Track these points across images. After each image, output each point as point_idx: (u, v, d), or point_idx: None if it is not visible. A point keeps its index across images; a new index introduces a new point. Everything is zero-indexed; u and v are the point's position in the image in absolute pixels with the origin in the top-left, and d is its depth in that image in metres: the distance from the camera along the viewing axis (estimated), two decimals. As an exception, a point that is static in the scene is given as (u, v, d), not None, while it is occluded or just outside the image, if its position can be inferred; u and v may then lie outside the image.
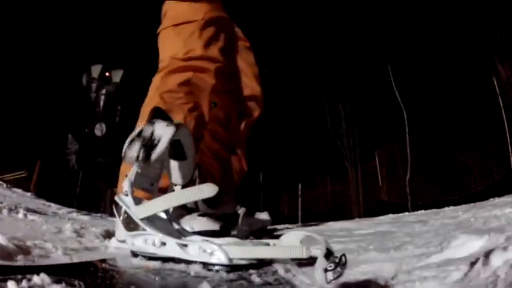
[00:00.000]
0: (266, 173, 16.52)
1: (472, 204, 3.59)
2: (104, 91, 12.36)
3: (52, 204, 4.13)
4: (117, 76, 12.70)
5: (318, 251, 1.02)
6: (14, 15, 10.24)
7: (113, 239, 1.61)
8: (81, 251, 1.33)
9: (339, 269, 0.95)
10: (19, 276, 0.77)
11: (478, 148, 8.01)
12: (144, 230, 1.22)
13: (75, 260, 1.15)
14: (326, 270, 0.96)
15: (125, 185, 1.32)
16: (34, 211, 2.52)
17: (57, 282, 0.78)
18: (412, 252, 1.31)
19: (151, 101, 1.91)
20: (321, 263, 0.96)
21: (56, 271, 0.87)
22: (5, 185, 4.77)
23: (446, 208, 4.01)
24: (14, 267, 0.97)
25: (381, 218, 4.21)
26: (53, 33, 10.99)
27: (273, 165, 17.55)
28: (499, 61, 8.74)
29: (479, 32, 9.66)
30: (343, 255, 0.97)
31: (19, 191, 4.84)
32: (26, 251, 1.13)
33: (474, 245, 1.13)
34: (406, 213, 5.12)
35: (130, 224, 1.26)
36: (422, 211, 4.54)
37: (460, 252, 1.11)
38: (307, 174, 16.04)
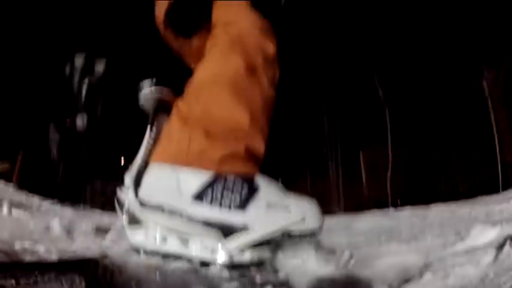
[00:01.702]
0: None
1: (462, 201, 3.64)
2: (86, 81, 12.17)
3: (35, 196, 4.07)
4: (100, 65, 12.51)
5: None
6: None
7: (107, 236, 1.59)
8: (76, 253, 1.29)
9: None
10: (19, 273, 0.76)
11: (463, 148, 8.15)
12: (145, 225, 1.20)
13: (54, 253, 1.11)
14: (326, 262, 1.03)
15: (126, 179, 1.30)
16: (18, 205, 2.45)
17: (57, 278, 0.77)
18: (433, 242, 1.29)
19: None
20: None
21: (56, 267, 0.85)
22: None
23: (434, 205, 4.04)
24: (14, 264, 0.96)
25: (369, 213, 4.24)
26: (35, 21, 10.73)
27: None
28: (486, 65, 8.82)
29: (467, 34, 9.73)
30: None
31: (1, 182, 4.75)
32: (14, 257, 1.07)
33: (491, 233, 1.13)
34: (392, 208, 5.16)
35: (131, 219, 1.24)
36: (409, 207, 4.58)
37: (481, 240, 1.11)
38: (288, 172, 16.03)
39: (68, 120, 12.23)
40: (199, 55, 1.62)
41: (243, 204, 1.15)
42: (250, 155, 1.26)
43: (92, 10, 10.70)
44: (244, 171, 1.21)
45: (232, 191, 1.17)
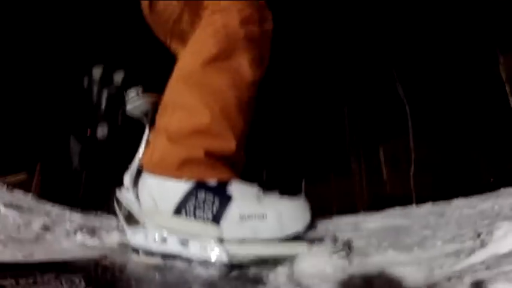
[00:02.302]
0: (269, 170, 16.47)
1: (485, 194, 3.45)
2: (105, 92, 12.41)
3: (49, 204, 4.07)
4: (118, 76, 12.71)
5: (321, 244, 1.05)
6: (14, 17, 10.24)
7: (78, 234, 1.61)
8: (25, 243, 1.26)
9: (345, 252, 0.98)
10: (19, 273, 0.76)
11: (483, 140, 7.96)
12: (145, 225, 1.20)
13: (10, 251, 1.09)
14: (333, 253, 1.00)
15: (126, 180, 1.32)
16: (17, 206, 2.41)
17: (56, 278, 0.77)
18: (443, 249, 1.05)
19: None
20: (327, 246, 1.00)
21: (55, 267, 0.87)
22: (5, 187, 4.70)
23: (456, 200, 3.88)
24: (14, 264, 0.97)
25: (389, 211, 4.10)
26: (53, 34, 11.00)
27: (276, 162, 17.51)
28: (501, 52, 8.64)
29: (481, 22, 9.56)
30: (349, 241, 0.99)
31: (20, 192, 4.77)
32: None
33: (522, 233, 0.86)
34: (414, 205, 5.01)
35: (131, 220, 1.25)
36: (430, 203, 4.43)
37: (507, 245, 0.85)
38: (310, 170, 16.00)
39: (88, 130, 12.46)
40: (184, 41, 1.57)
41: (216, 218, 1.13)
42: (213, 157, 1.21)
43: (106, 22, 10.88)
44: (206, 175, 1.17)
45: (204, 208, 1.15)
